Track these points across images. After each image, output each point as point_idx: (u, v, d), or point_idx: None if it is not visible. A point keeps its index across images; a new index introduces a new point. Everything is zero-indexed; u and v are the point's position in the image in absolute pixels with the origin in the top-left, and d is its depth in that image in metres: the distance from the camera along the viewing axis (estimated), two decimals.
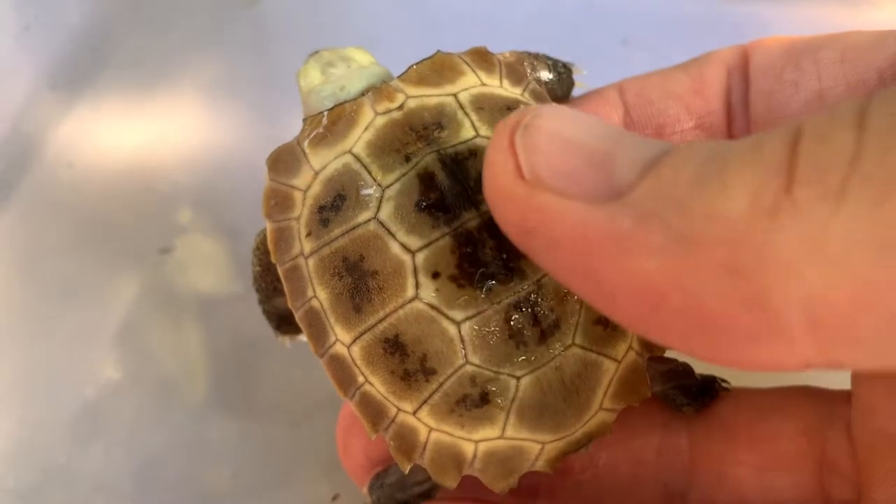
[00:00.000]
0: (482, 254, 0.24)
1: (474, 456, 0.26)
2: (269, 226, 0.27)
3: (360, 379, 0.26)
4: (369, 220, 0.25)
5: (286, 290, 0.27)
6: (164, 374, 0.42)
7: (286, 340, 0.33)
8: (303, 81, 0.30)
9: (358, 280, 0.25)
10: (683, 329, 0.17)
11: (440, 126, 0.26)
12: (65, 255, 0.46)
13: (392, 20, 0.58)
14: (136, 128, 0.52)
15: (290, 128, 0.52)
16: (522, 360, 0.25)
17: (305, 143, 0.27)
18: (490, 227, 0.24)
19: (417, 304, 0.25)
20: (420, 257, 0.24)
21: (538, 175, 0.19)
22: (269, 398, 0.41)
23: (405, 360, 0.25)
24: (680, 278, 0.17)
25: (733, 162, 0.16)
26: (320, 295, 0.26)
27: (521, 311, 0.25)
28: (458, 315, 0.24)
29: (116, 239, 0.47)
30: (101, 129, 0.52)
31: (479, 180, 0.25)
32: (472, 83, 0.28)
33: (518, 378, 0.25)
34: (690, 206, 0.17)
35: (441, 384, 0.25)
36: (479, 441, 0.26)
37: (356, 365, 0.26)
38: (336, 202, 0.26)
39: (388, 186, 0.25)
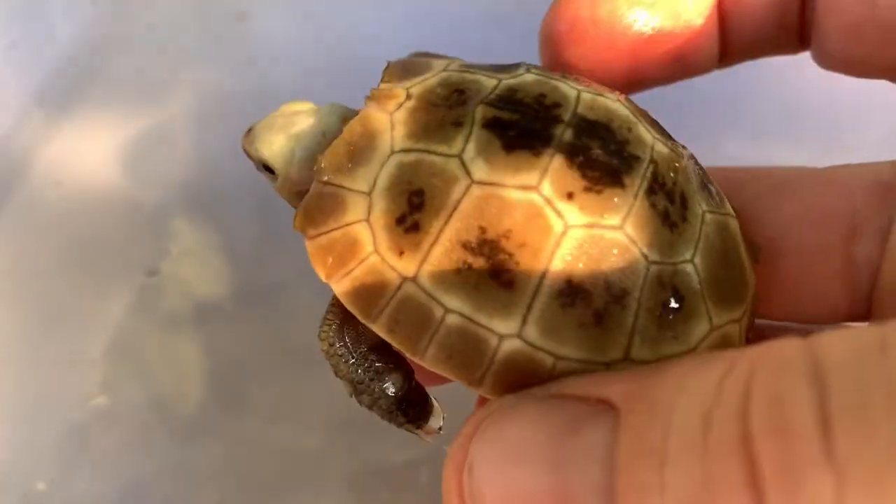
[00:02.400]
0: (596, 155, 0.22)
1: None
2: (339, 288, 0.23)
3: (549, 362, 0.22)
4: (469, 187, 0.22)
5: (399, 343, 0.23)
6: (150, 398, 0.41)
7: (425, 436, 0.26)
8: (269, 153, 0.26)
9: (493, 253, 0.22)
10: None
11: (461, 91, 0.24)
12: (52, 275, 0.46)
13: (384, 36, 0.58)
14: (124, 145, 0.52)
15: None
16: (682, 241, 0.23)
17: (333, 177, 0.24)
18: (584, 129, 0.23)
19: (575, 232, 0.22)
20: (545, 188, 0.22)
21: None
22: (258, 423, 0.40)
23: (591, 301, 0.22)
24: None
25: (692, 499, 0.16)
26: (454, 304, 0.22)
27: (657, 193, 0.23)
28: (616, 219, 0.22)
29: (104, 259, 0.47)
30: (89, 146, 0.51)
31: (540, 99, 0.23)
32: (446, 63, 0.26)
33: (692, 261, 0.23)
34: None
35: (640, 302, 0.22)
36: (696, 346, 0.23)
37: (538, 348, 0.22)
38: (414, 201, 0.22)
39: (461, 152, 0.22)
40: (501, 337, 0.22)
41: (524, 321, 0.21)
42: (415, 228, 0.22)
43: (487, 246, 0.22)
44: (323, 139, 0.25)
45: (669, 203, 0.23)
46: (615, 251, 0.22)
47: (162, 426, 0.40)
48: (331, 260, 0.23)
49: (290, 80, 0.55)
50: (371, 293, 0.22)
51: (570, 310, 0.21)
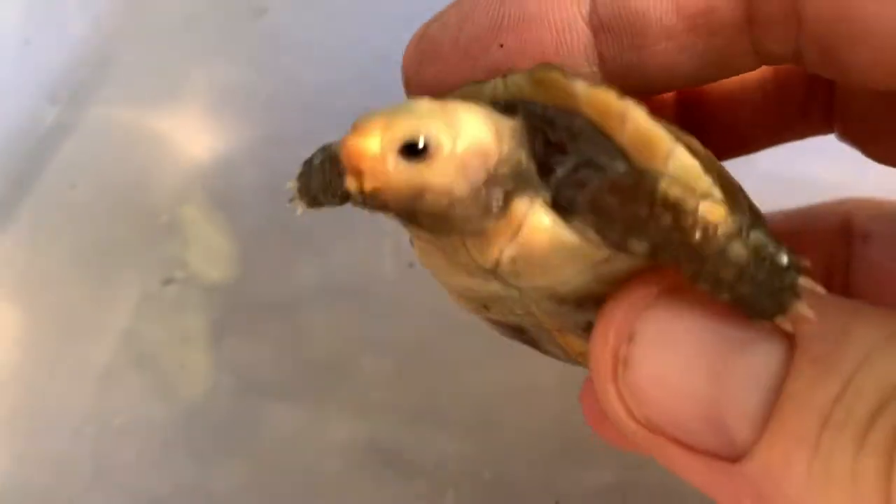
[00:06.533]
0: None
1: None
2: None
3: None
4: None
5: None
6: (167, 414, 0.40)
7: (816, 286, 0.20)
8: (428, 123, 0.20)
9: None
10: None
11: None
12: (66, 282, 0.45)
13: (402, 31, 0.56)
14: (140, 145, 0.50)
15: (300, 143, 0.51)
16: None
17: None
18: None
19: None
20: None
21: (653, 423, 0.19)
22: (279, 443, 0.39)
23: None
24: None
25: (835, 478, 0.16)
26: None
27: None
28: None
29: (120, 265, 0.45)
30: (103, 146, 0.50)
31: None
32: None
33: None
34: None
35: None
36: None
37: None
38: None
39: None
40: None
41: None
42: None
43: None
44: (498, 116, 0.22)
45: None
46: None
47: (181, 443, 0.40)
48: None
49: (308, 77, 0.54)
50: None
51: None
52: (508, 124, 0.21)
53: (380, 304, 0.43)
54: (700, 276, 0.19)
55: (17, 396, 0.42)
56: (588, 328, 0.22)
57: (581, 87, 0.21)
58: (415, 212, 0.21)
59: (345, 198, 0.26)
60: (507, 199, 0.21)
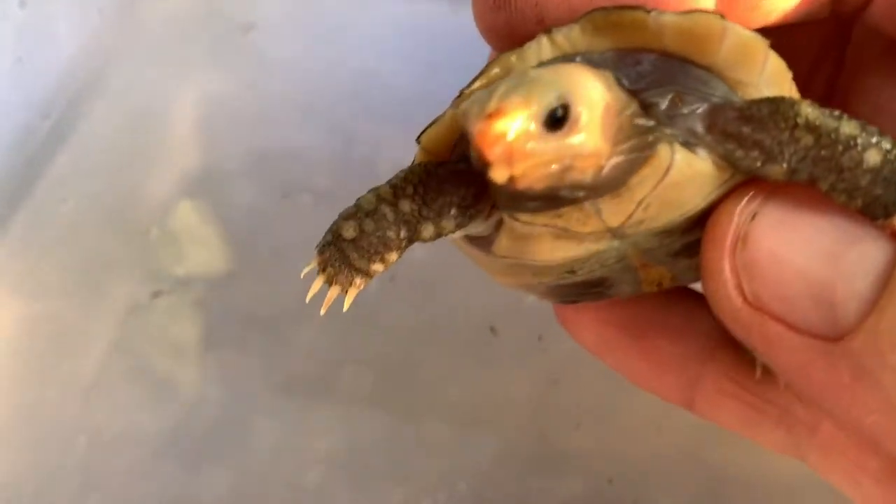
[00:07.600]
0: None
1: None
2: None
3: None
4: None
5: None
6: (156, 424, 0.42)
7: None
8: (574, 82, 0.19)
9: None
10: None
11: None
12: (57, 294, 0.46)
13: (390, 49, 0.57)
14: (131, 160, 0.51)
15: (288, 158, 0.52)
16: None
17: None
18: None
19: None
20: None
21: (761, 300, 0.20)
22: (263, 454, 0.41)
23: None
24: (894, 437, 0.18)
25: None
26: None
27: None
28: None
29: (110, 277, 0.47)
30: (94, 161, 0.51)
31: None
32: None
33: None
34: None
35: None
36: None
37: None
38: None
39: None
40: None
41: None
42: None
43: None
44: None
45: None
46: None
47: (170, 453, 0.41)
48: None
49: (296, 92, 0.55)
50: None
51: None
52: (608, 75, 0.21)
53: (362, 319, 0.44)
54: (837, 187, 0.21)
55: (8, 408, 0.43)
56: (682, 250, 0.24)
57: (670, 18, 0.22)
58: (558, 187, 0.20)
59: (410, 239, 0.24)
60: (646, 148, 0.21)
